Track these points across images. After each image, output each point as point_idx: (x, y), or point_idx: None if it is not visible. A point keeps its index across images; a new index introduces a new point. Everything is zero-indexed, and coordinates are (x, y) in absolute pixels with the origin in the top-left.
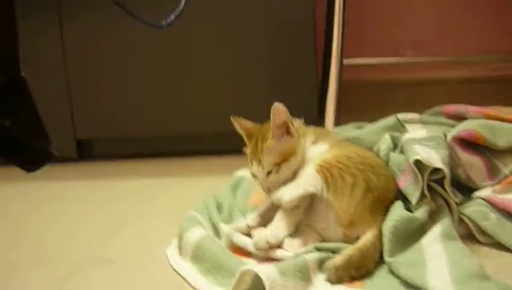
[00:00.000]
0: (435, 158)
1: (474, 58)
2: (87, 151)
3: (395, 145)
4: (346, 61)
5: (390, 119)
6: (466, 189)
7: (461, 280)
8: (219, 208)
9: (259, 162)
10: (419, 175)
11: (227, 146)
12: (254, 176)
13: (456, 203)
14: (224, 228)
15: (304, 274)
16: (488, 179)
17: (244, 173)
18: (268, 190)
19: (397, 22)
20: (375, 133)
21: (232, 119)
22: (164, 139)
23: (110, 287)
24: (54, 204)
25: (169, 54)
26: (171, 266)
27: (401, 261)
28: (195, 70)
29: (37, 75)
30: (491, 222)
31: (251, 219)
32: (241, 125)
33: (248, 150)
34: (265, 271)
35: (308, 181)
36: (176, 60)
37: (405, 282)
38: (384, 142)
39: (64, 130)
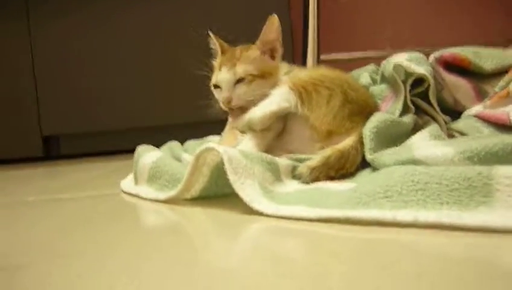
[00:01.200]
0: (417, 67)
1: None
2: (55, 149)
3: (375, 83)
4: (324, 57)
5: (369, 66)
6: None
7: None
8: (184, 150)
9: (233, 66)
10: (400, 83)
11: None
12: (216, 86)
13: (445, 122)
14: (187, 156)
15: (273, 168)
16: (477, 100)
17: (213, 138)
18: (229, 102)
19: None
20: (354, 76)
21: (209, 33)
22: (131, 133)
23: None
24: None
25: (137, 49)
26: (123, 192)
27: (384, 153)
28: (163, 63)
29: (4, 72)
30: (484, 135)
31: None
32: (218, 40)
33: (218, 60)
34: (225, 149)
35: (281, 97)
36: (143, 55)
37: None
38: (364, 78)
39: (30, 127)
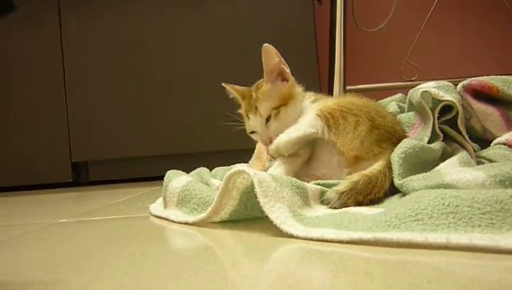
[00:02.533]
0: (445, 94)
1: None
2: (83, 175)
3: (402, 112)
4: (350, 87)
5: (396, 95)
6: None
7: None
8: (213, 176)
9: (256, 110)
10: (428, 110)
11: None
12: (253, 132)
13: (474, 150)
14: (215, 182)
15: (302, 193)
16: (506, 129)
17: (241, 166)
18: (270, 142)
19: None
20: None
21: (223, 85)
22: (159, 160)
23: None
24: None
25: (165, 78)
26: (152, 215)
27: (414, 179)
28: (191, 92)
29: (36, 100)
30: None
31: None
32: (233, 88)
33: (243, 107)
34: (255, 172)
35: (308, 124)
36: (171, 83)
37: None
38: (392, 107)
39: (60, 153)
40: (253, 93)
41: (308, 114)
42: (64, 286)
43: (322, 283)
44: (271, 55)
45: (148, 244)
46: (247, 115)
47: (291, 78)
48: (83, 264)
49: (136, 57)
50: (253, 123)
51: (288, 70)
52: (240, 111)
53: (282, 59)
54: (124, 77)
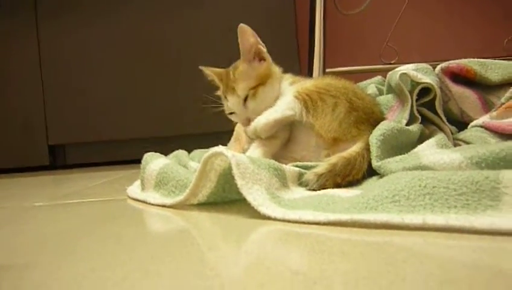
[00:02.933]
0: (424, 77)
1: None
2: (60, 158)
3: (381, 94)
4: (329, 70)
5: (375, 78)
6: (460, 127)
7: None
8: (191, 158)
9: (234, 91)
10: (407, 93)
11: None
12: (231, 113)
13: (451, 133)
14: (193, 164)
15: (280, 175)
16: (483, 111)
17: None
18: (249, 122)
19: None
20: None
21: (201, 68)
22: (136, 143)
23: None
24: None
25: (143, 61)
26: (130, 198)
27: (391, 160)
28: (169, 75)
29: (12, 83)
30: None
31: None
32: (211, 70)
33: (221, 88)
34: (233, 154)
35: (286, 106)
36: (150, 66)
37: None
38: (371, 89)
39: (37, 136)
40: (231, 73)
41: (286, 96)
42: (39, 268)
43: (299, 264)
44: (247, 35)
45: (126, 226)
46: (226, 97)
47: (269, 58)
48: (57, 247)
49: (113, 41)
50: (231, 104)
51: (265, 49)
52: (217, 93)
53: (259, 39)
54: (101, 59)
